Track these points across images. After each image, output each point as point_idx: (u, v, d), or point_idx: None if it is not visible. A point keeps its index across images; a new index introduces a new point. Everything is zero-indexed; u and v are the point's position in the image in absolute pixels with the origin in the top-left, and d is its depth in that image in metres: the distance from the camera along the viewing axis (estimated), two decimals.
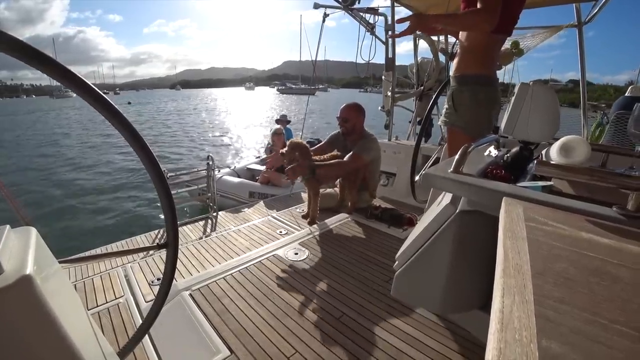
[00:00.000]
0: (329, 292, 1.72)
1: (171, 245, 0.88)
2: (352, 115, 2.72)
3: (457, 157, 0.88)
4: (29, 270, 0.57)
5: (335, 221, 2.63)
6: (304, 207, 2.95)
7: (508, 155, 1.03)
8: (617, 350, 0.29)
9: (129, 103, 49.27)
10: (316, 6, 3.47)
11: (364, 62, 3.56)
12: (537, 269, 0.42)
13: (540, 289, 0.38)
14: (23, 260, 0.59)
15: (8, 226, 0.65)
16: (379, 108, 3.54)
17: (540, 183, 0.80)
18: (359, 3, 3.30)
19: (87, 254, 2.34)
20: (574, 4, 2.77)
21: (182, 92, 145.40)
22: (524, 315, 0.33)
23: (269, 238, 2.41)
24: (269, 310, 1.57)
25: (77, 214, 5.60)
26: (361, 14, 3.31)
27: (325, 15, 3.54)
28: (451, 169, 0.85)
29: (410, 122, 3.88)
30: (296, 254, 2.10)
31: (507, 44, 3.01)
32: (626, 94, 3.20)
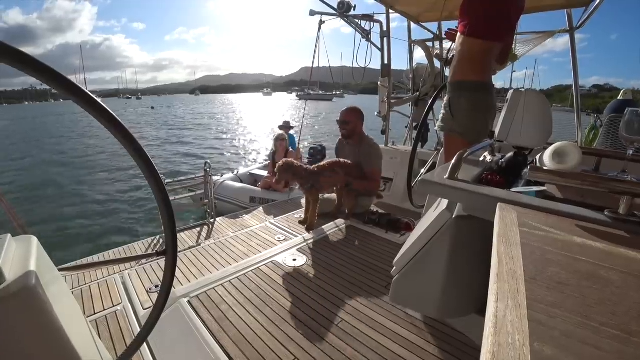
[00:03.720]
0: (328, 298, 1.72)
1: (170, 252, 0.88)
2: (352, 117, 2.79)
3: (452, 163, 0.89)
4: (31, 279, 0.58)
5: (333, 227, 2.63)
6: (302, 213, 2.96)
7: (502, 160, 1.05)
8: (607, 352, 0.30)
9: (152, 108, 51.72)
10: (312, 13, 3.51)
11: (358, 67, 3.62)
12: (530, 273, 0.43)
13: (533, 293, 0.39)
14: (25, 269, 0.60)
15: (9, 235, 0.66)
16: (376, 114, 3.57)
17: (535, 188, 0.82)
18: (354, 10, 3.34)
19: (84, 261, 2.33)
20: (565, 10, 2.81)
21: (201, 97, 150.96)
22: (517, 319, 0.34)
23: (267, 244, 2.41)
24: (268, 317, 1.57)
25: (74, 220, 5.57)
26: (357, 20, 3.35)
27: (322, 22, 3.58)
28: (447, 175, 0.87)
29: (406, 127, 3.91)
30: (294, 260, 2.10)
31: None
32: (619, 98, 3.26)
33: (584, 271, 0.46)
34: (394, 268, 1.10)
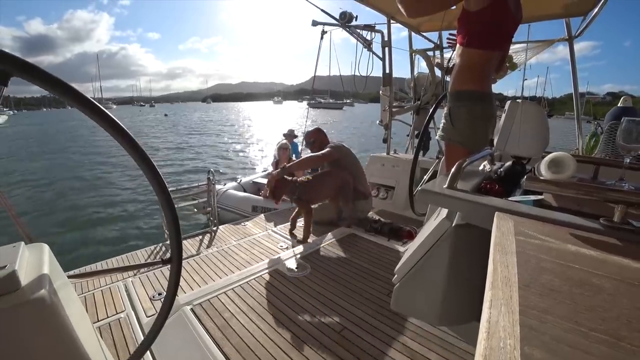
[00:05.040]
0: (330, 306, 1.73)
1: (175, 260, 0.89)
2: (314, 135, 3.01)
3: (451, 172, 0.91)
4: (44, 285, 0.60)
5: (335, 235, 2.64)
6: (300, 222, 3.00)
7: (501, 170, 1.06)
8: (595, 356, 0.32)
9: (166, 115, 52.48)
10: (314, 24, 3.57)
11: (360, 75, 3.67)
12: (524, 281, 0.45)
13: (525, 300, 0.40)
14: (38, 277, 0.63)
15: (22, 243, 0.69)
16: (377, 122, 3.60)
17: (532, 197, 0.83)
18: (356, 20, 3.40)
19: (90, 268, 2.35)
20: (564, 19, 2.85)
21: (213, 105, 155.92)
22: (508, 324, 0.35)
23: (270, 252, 2.43)
24: (270, 325, 1.58)
25: (79, 226, 5.60)
26: (358, 30, 3.40)
27: (324, 32, 3.64)
28: (446, 185, 0.89)
29: (408, 135, 3.94)
30: (297, 268, 2.11)
31: None
32: (619, 105, 3.29)
33: (576, 278, 0.47)
34: (396, 276, 1.11)
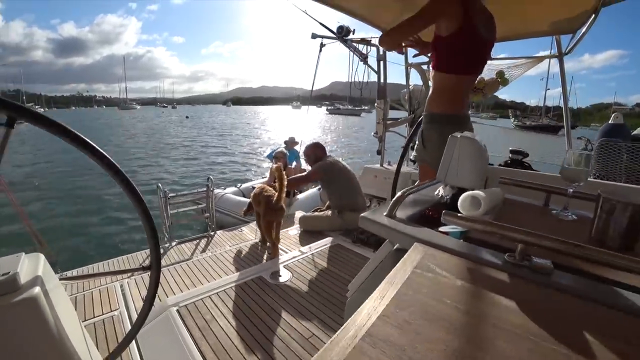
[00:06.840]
0: (304, 314, 1.83)
1: (154, 268, 1.04)
2: (309, 151, 3.27)
3: (392, 201, 1.00)
4: (38, 289, 0.82)
5: (321, 245, 2.75)
6: (296, 230, 3.12)
7: (447, 197, 1.15)
8: None
9: (187, 117, 55.24)
10: (313, 36, 3.69)
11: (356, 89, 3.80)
12: (387, 311, 0.54)
13: (375, 327, 0.50)
14: (34, 280, 0.85)
15: (23, 253, 0.91)
16: (372, 134, 3.69)
17: (459, 228, 0.92)
18: (353, 34, 3.51)
19: (80, 271, 2.53)
20: (553, 36, 2.89)
21: (233, 108, 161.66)
22: (345, 345, 0.45)
23: (256, 259, 2.55)
24: (247, 329, 1.69)
25: (83, 229, 5.81)
26: (355, 44, 3.51)
27: (322, 45, 3.75)
28: (385, 213, 0.98)
29: (402, 147, 4.01)
30: (280, 276, 2.22)
31: (492, 74, 3.16)
32: (609, 122, 3.28)
33: (435, 314, 0.54)
34: (349, 290, 1.20)
